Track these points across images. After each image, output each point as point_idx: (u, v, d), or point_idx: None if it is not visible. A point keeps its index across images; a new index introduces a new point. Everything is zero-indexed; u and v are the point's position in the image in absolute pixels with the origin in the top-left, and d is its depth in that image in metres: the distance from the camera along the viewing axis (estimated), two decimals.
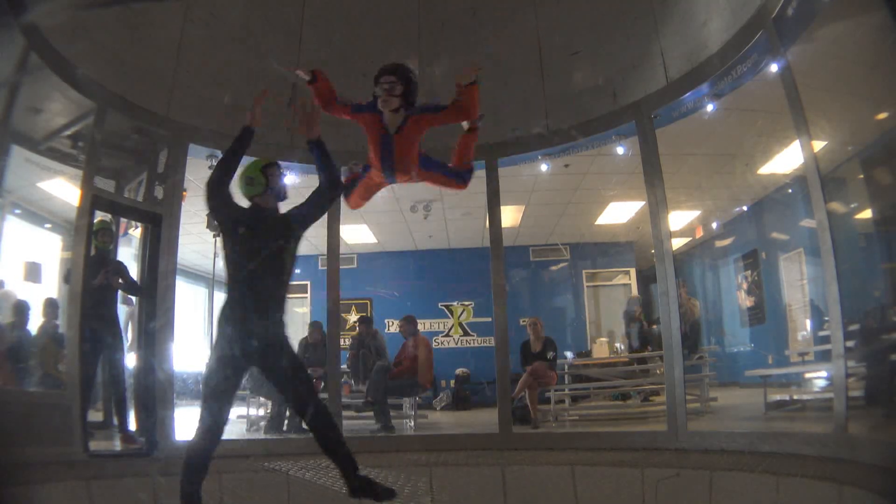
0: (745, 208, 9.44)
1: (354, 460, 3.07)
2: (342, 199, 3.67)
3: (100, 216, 5.14)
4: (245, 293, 3.06)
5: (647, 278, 10.76)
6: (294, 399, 3.30)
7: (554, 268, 11.25)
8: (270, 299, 3.12)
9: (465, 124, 3.54)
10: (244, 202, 3.23)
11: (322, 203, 3.30)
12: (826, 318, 4.43)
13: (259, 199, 3.21)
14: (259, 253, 3.07)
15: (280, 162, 3.35)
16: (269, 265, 3.08)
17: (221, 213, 3.19)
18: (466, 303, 11.19)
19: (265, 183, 3.20)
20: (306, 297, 11.31)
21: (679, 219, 9.55)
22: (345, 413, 5.77)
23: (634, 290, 11.06)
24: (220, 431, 3.02)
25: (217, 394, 3.02)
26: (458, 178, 3.53)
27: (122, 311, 5.62)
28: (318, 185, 3.26)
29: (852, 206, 5.73)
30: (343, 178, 3.59)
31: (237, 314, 3.05)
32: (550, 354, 6.78)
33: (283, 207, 3.29)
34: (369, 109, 3.21)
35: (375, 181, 3.45)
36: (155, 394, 4.85)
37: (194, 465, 2.96)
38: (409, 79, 3.17)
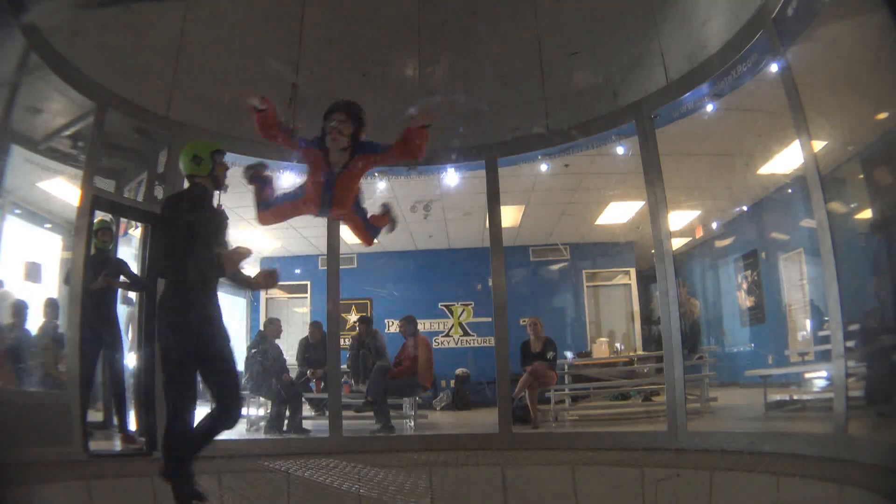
0: (745, 208, 9.41)
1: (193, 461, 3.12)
2: (255, 209, 3.45)
3: (100, 216, 5.14)
4: (187, 274, 3.04)
5: (647, 278, 10.76)
6: (220, 390, 3.18)
7: (554, 268, 11.25)
8: (210, 281, 3.13)
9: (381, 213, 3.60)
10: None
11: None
12: (826, 318, 4.42)
13: (201, 180, 3.22)
14: (202, 232, 3.07)
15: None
16: (208, 245, 3.08)
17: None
18: (466, 303, 11.19)
19: (211, 167, 3.21)
20: (306, 297, 11.32)
21: (679, 219, 9.53)
22: (345, 413, 5.76)
23: (634, 290, 11.05)
24: (192, 409, 3.06)
25: (176, 378, 3.06)
26: (373, 233, 3.58)
27: (122, 311, 5.62)
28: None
29: (852, 206, 5.72)
30: (250, 181, 3.44)
31: (180, 296, 3.05)
32: (550, 354, 6.79)
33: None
34: (315, 145, 3.14)
35: (302, 210, 3.36)
36: (155, 394, 4.84)
37: (174, 441, 3.03)
38: (359, 118, 3.13)
